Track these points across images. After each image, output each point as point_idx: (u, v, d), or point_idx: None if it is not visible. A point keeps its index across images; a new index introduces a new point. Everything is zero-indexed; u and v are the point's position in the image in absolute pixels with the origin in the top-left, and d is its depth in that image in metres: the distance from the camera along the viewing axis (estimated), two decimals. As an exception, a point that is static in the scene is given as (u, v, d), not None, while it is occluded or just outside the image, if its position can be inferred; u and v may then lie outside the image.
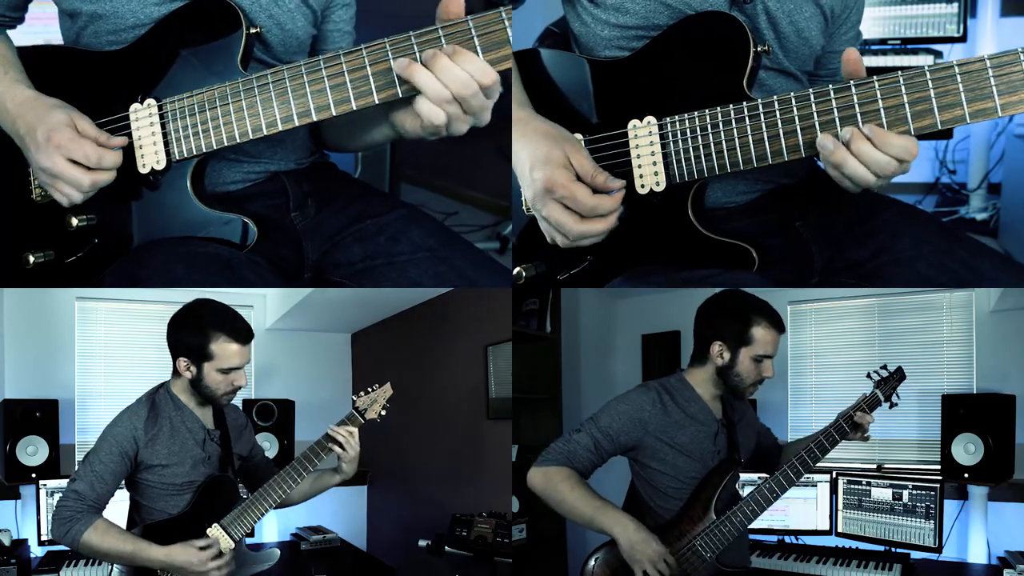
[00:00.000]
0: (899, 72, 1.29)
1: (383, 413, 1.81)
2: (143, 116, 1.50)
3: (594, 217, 1.41)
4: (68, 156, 1.43)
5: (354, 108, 1.40)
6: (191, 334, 1.67)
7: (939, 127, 1.29)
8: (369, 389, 1.81)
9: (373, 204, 1.73)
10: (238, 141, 1.47)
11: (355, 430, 1.76)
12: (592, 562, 1.72)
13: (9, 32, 1.65)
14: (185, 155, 1.50)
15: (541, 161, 1.41)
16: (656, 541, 1.63)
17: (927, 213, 1.75)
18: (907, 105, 1.29)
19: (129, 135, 1.51)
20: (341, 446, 1.74)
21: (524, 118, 1.47)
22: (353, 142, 1.71)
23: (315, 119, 1.43)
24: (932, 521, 2.46)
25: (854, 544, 2.64)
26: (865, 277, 1.58)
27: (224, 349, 1.67)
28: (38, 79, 1.55)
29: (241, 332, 1.69)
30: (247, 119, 1.45)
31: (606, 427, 1.71)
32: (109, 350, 3.24)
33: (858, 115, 1.31)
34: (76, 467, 1.68)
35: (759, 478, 1.79)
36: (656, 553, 1.61)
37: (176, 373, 1.72)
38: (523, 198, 1.54)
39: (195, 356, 1.67)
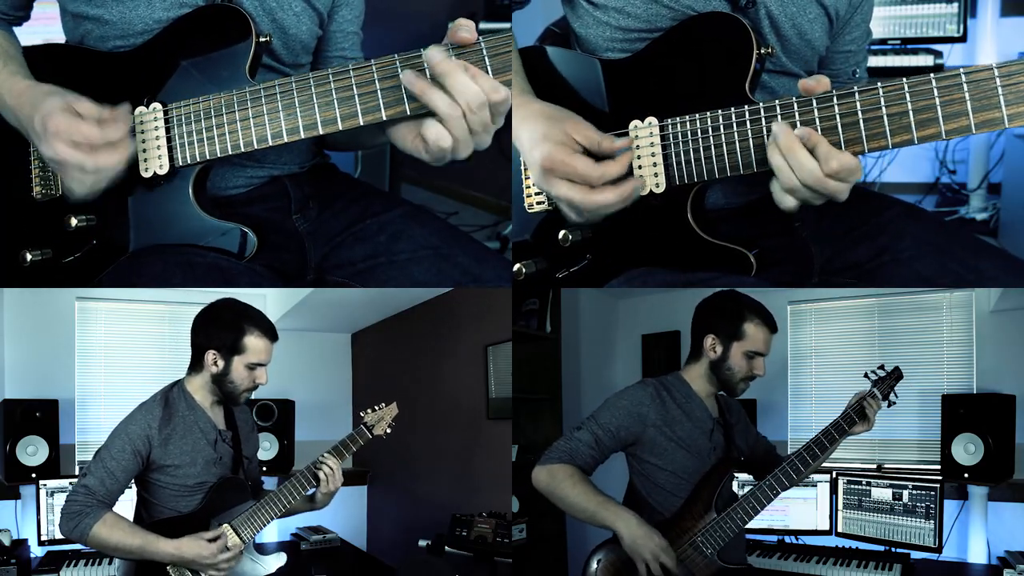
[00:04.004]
0: (904, 79, 1.26)
1: (388, 431, 1.89)
2: (148, 119, 1.49)
3: (604, 187, 1.38)
4: (69, 139, 1.39)
5: (361, 124, 1.39)
6: (226, 328, 1.71)
7: (944, 137, 1.26)
8: (376, 407, 1.90)
9: (373, 204, 1.73)
10: (243, 150, 1.46)
11: (338, 470, 1.78)
12: (595, 564, 1.73)
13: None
14: (189, 161, 1.49)
15: (539, 140, 1.39)
16: (658, 535, 1.64)
17: (928, 212, 1.75)
18: (911, 113, 1.26)
19: (133, 138, 1.49)
20: (327, 478, 1.77)
21: (523, 101, 1.46)
22: (349, 144, 1.71)
23: (321, 133, 1.41)
24: (932, 521, 2.46)
25: (854, 544, 2.64)
26: (865, 277, 1.58)
27: (256, 344, 1.72)
28: (42, 78, 1.52)
29: (271, 330, 1.75)
30: (253, 129, 1.44)
31: (606, 423, 1.74)
32: (109, 350, 3.23)
33: (860, 121, 1.29)
34: (87, 463, 1.68)
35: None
36: (658, 546, 1.62)
37: (195, 369, 1.74)
38: (524, 188, 1.54)
39: (227, 349, 1.70)
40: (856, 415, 1.74)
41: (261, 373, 1.74)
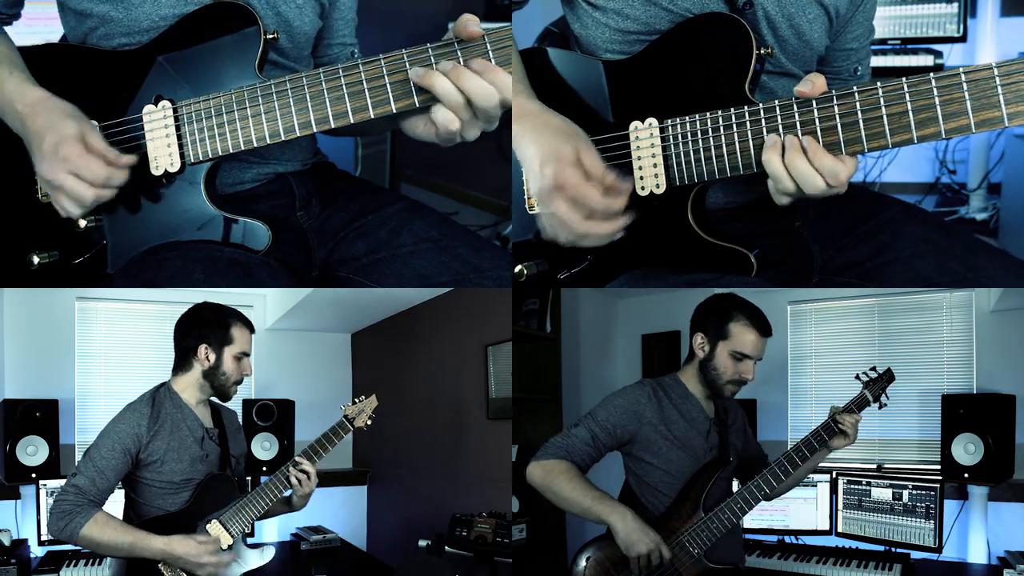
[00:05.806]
0: (903, 79, 1.26)
1: (369, 423, 1.92)
2: (157, 118, 1.49)
3: (601, 219, 1.40)
4: (73, 171, 1.41)
5: (372, 117, 1.42)
6: (213, 323, 1.78)
7: (943, 136, 1.25)
8: (357, 400, 1.93)
9: (372, 200, 1.75)
10: (255, 145, 1.47)
11: (313, 470, 1.81)
12: (583, 562, 1.73)
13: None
14: (200, 158, 1.49)
15: (552, 157, 1.38)
16: (652, 531, 1.65)
17: (928, 212, 1.75)
18: (911, 112, 1.26)
19: (142, 136, 1.50)
20: (299, 482, 1.79)
21: (535, 112, 1.46)
22: (363, 131, 1.73)
23: (333, 126, 1.43)
24: (932, 521, 2.46)
25: (854, 544, 2.64)
26: (865, 276, 1.58)
27: (241, 334, 1.78)
28: (46, 78, 1.52)
29: (249, 322, 1.83)
30: (265, 124, 1.45)
31: (603, 421, 1.75)
32: (109, 350, 3.24)
33: (860, 121, 1.29)
34: (76, 463, 1.69)
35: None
36: (652, 542, 1.63)
37: (182, 369, 1.77)
38: (525, 190, 1.53)
39: (217, 342, 1.76)
40: (827, 434, 1.74)
41: (246, 364, 1.80)
